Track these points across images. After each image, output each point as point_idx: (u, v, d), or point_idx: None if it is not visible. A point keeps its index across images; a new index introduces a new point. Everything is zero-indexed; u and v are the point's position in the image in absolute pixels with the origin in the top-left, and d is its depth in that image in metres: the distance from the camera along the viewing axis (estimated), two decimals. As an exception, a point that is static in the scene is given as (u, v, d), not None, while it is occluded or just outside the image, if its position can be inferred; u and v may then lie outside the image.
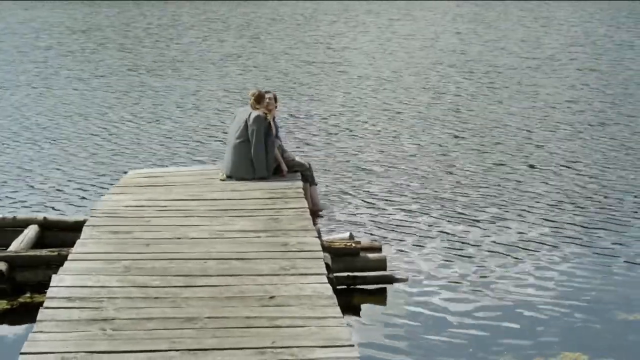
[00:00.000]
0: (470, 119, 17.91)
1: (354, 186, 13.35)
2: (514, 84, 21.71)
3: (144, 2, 43.54)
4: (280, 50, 27.73)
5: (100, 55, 27.54)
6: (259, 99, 11.45)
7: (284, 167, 11.54)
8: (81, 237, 9.12)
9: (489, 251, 10.65)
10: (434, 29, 32.77)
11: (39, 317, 7.02)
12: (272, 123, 11.50)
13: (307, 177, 11.70)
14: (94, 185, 13.50)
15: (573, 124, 17.35)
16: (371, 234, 11.13)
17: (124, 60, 26.44)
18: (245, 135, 11.27)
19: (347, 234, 10.10)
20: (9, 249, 9.59)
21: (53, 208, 12.33)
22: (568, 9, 38.71)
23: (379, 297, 9.30)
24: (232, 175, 11.33)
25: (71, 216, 10.92)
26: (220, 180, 11.32)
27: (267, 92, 11.71)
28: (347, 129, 17.21)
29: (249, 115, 11.31)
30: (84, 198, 12.90)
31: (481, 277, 9.85)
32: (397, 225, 11.58)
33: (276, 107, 11.86)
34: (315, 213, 11.57)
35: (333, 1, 42.66)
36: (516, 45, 28.09)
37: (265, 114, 11.37)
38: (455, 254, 10.56)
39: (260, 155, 11.25)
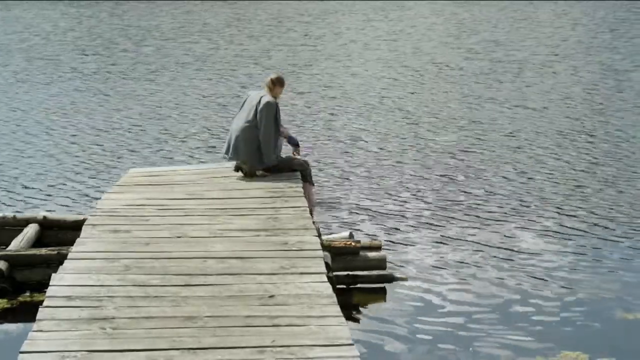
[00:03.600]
0: (470, 120, 17.91)
1: (354, 185, 13.35)
2: (496, 86, 21.73)
3: (123, 3, 43.55)
4: (266, 50, 27.73)
5: (96, 54, 27.53)
6: (277, 81, 11.13)
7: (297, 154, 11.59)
8: (81, 236, 9.10)
9: (489, 250, 10.65)
10: (414, 30, 32.78)
11: (38, 316, 7.01)
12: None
13: (306, 177, 11.69)
14: (94, 184, 13.51)
15: (557, 127, 17.37)
16: (371, 233, 11.14)
17: (120, 60, 26.44)
18: (254, 120, 11.05)
19: (347, 233, 10.10)
20: (8, 248, 9.59)
21: (53, 207, 12.33)
22: (548, 9, 38.67)
23: (379, 296, 9.30)
24: (236, 159, 11.22)
25: (71, 215, 10.91)
26: (224, 158, 11.31)
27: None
28: (346, 127, 17.22)
29: (260, 100, 11.04)
30: (83, 197, 12.90)
31: (481, 276, 9.85)
32: (397, 224, 11.59)
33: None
34: (310, 212, 11.57)
35: (317, 1, 42.69)
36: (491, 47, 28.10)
37: (275, 97, 11.13)
38: (455, 253, 10.56)
39: (270, 141, 11.00)
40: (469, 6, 40.30)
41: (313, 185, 11.97)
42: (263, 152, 11.04)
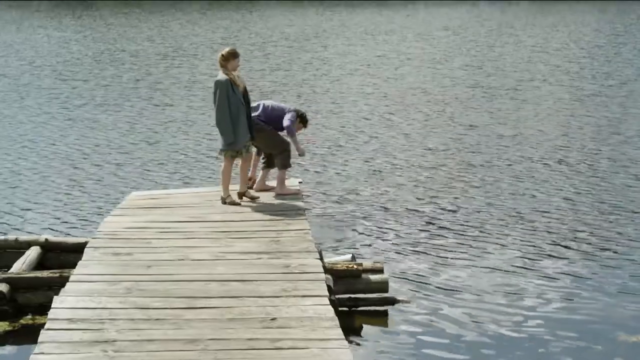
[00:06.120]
0: (469, 138, 17.94)
1: (356, 208, 13.34)
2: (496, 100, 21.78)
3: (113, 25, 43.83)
4: (252, 74, 27.85)
5: (95, 77, 27.62)
6: (229, 55, 10.71)
7: (300, 148, 11.43)
8: (83, 258, 9.10)
9: (491, 273, 10.63)
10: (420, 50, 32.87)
11: (40, 338, 7.00)
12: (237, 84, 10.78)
13: (277, 160, 11.40)
14: (96, 207, 13.52)
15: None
16: (373, 256, 11.12)
17: (117, 84, 26.52)
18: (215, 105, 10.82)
19: (349, 256, 10.10)
20: (10, 271, 9.59)
21: (55, 230, 12.33)
22: (535, 33, 38.83)
23: (381, 319, 9.28)
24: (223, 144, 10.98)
25: (73, 238, 10.91)
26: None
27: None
28: (345, 149, 17.24)
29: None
30: (85, 220, 12.91)
31: (483, 299, 9.83)
32: (399, 247, 11.58)
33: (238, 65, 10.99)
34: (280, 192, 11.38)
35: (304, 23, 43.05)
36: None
37: (227, 73, 10.67)
38: (458, 276, 10.54)
39: (224, 119, 10.66)
40: (456, 29, 40.52)
41: (283, 169, 11.56)
42: (220, 131, 10.78)
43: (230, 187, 11.13)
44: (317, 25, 44.17)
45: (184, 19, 49.45)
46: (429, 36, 38.58)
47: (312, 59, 31.37)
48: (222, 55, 10.75)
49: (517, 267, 10.83)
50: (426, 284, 10.28)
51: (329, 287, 8.43)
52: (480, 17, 48.11)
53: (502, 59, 30.88)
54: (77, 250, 9.87)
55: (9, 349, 8.53)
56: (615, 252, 11.36)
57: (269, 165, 11.54)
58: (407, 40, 36.93)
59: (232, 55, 10.75)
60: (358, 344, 8.62)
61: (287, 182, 11.68)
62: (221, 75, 10.69)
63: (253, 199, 11.15)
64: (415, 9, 55.16)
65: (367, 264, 9.82)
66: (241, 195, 11.14)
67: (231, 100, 10.60)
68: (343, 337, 7.07)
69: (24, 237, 10.75)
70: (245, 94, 10.84)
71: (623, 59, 30.15)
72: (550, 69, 28.22)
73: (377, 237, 11.98)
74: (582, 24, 43.06)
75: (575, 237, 11.92)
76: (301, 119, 11.62)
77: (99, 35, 40.52)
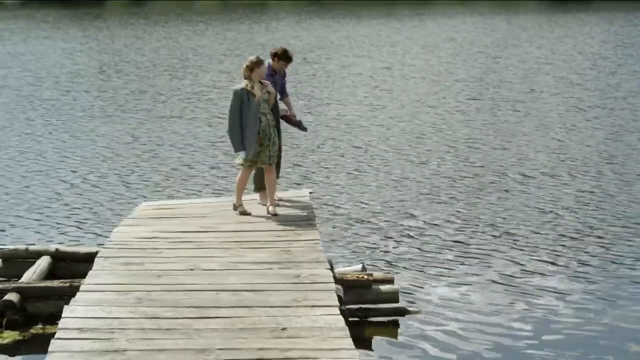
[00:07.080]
0: (474, 150, 17.94)
1: (366, 219, 13.34)
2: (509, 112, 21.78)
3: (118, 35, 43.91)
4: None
5: (103, 89, 27.69)
6: (252, 66, 10.57)
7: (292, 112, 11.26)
8: (93, 268, 9.11)
9: (501, 282, 10.62)
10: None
11: (50, 348, 7.01)
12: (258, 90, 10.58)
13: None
14: (106, 217, 13.53)
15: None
16: (383, 266, 11.11)
17: (129, 95, 26.58)
18: None
19: (359, 266, 10.10)
20: (21, 280, 9.61)
21: (65, 239, 12.34)
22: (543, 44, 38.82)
23: (391, 329, 9.27)
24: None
25: (83, 247, 10.92)
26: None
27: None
28: (353, 161, 17.24)
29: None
30: (96, 230, 12.92)
31: (494, 309, 9.81)
32: (409, 257, 11.57)
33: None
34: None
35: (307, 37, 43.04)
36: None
37: (247, 84, 10.52)
38: (468, 286, 10.53)
39: (234, 128, 10.53)
40: (462, 41, 40.52)
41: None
42: (231, 142, 10.68)
43: (245, 197, 11.13)
44: (324, 37, 44.21)
45: (190, 29, 49.54)
46: (434, 47, 38.57)
47: (317, 70, 31.38)
48: (247, 66, 10.62)
49: (527, 280, 10.80)
50: (437, 294, 10.27)
51: (339, 297, 8.43)
52: (487, 29, 48.11)
53: (507, 70, 30.84)
54: (87, 260, 9.87)
55: (19, 359, 8.53)
56: (621, 265, 11.33)
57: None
58: (412, 52, 36.92)
59: (257, 64, 10.63)
60: (368, 354, 8.61)
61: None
62: (237, 85, 10.69)
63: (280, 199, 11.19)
64: (422, 20, 55.19)
65: (377, 274, 9.83)
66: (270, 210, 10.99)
67: (244, 110, 10.54)
68: (353, 347, 7.06)
69: (34, 247, 10.77)
70: (274, 102, 10.79)
71: (628, 71, 30.09)
72: (556, 81, 28.17)
73: (388, 248, 11.97)
74: (588, 36, 43.05)
75: (584, 250, 11.89)
76: (278, 58, 11.15)
77: (105, 46, 40.59)
